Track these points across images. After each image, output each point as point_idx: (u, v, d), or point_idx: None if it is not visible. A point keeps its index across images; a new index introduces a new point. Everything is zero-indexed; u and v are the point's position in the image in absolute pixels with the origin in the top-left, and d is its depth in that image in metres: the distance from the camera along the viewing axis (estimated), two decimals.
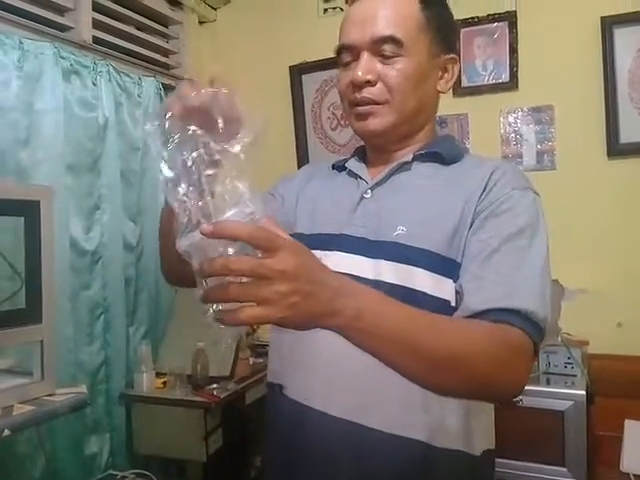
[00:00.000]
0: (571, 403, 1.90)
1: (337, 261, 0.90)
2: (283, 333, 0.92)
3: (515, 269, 0.84)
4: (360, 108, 0.95)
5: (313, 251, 0.90)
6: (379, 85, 0.94)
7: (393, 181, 0.98)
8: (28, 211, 1.28)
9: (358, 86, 0.94)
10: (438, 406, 0.86)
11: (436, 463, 0.86)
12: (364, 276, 0.89)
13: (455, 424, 0.88)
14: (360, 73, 0.93)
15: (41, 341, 1.29)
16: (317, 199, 1.03)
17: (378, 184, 0.98)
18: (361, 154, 1.07)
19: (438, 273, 0.87)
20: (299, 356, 0.93)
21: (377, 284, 0.87)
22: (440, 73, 0.99)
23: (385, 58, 0.93)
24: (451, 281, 0.88)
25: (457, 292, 0.86)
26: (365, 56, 0.93)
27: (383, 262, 0.89)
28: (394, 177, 0.98)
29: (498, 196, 0.90)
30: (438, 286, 0.87)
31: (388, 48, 0.92)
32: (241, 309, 0.60)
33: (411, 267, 0.88)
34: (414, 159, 0.98)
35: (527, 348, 0.80)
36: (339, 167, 1.07)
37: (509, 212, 0.88)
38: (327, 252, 0.93)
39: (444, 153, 0.98)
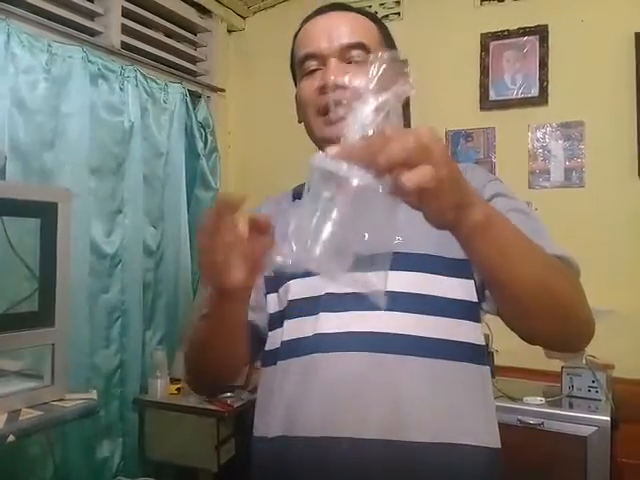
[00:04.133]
0: (595, 429, 1.84)
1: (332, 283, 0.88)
2: (279, 381, 0.91)
3: (533, 230, 0.83)
4: (333, 114, 0.91)
5: (304, 279, 0.91)
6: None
7: None
8: (45, 213, 1.27)
9: (331, 89, 0.92)
10: (465, 406, 0.88)
11: (474, 462, 0.87)
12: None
13: (481, 422, 0.89)
14: (332, 76, 0.92)
15: (53, 345, 1.28)
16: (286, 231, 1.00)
17: None
18: None
19: (447, 275, 0.89)
20: (311, 392, 0.88)
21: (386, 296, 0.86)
22: None
23: (351, 63, 0.94)
24: (462, 280, 0.89)
25: None
26: (334, 62, 0.94)
27: (390, 273, 0.87)
28: None
29: (479, 186, 0.91)
30: (452, 288, 0.88)
31: (357, 54, 0.94)
32: (421, 166, 0.55)
33: (420, 274, 0.89)
34: None
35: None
36: (300, 194, 1.05)
37: (498, 196, 0.91)
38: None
39: None
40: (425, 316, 0.88)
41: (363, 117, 0.59)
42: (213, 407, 2.09)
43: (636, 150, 2.24)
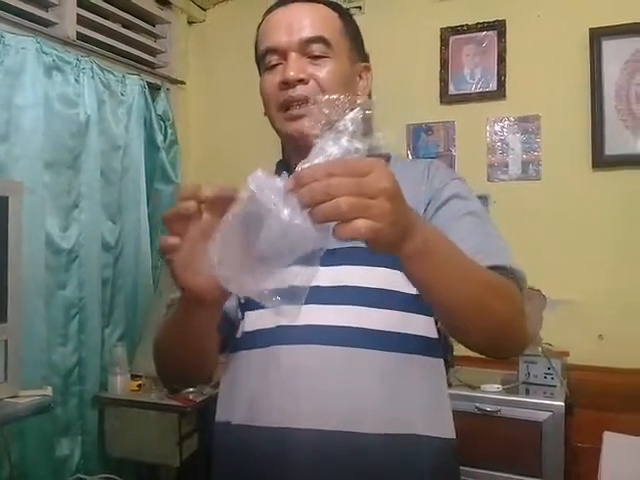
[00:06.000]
0: (550, 414, 1.89)
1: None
2: (241, 371, 0.93)
3: (484, 235, 0.88)
4: (294, 110, 0.94)
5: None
6: (312, 83, 0.93)
7: None
8: None
9: (291, 85, 0.93)
10: (417, 397, 0.89)
11: (427, 452, 0.89)
12: (324, 285, 0.88)
13: (434, 412, 0.91)
14: (292, 72, 0.92)
15: (5, 341, 1.26)
16: None
17: None
18: (284, 168, 1.04)
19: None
20: (273, 381, 0.90)
21: (341, 290, 0.89)
22: (358, 79, 1.00)
23: (314, 59, 0.94)
24: None
25: None
26: (294, 56, 0.93)
27: (344, 267, 0.90)
28: None
29: (441, 185, 0.95)
30: (407, 283, 0.87)
31: (317, 48, 0.94)
32: (356, 221, 0.56)
33: (377, 268, 0.90)
34: None
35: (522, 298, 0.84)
36: (282, 168, 1.05)
37: (456, 197, 0.93)
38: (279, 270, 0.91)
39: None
40: (382, 310, 0.90)
41: (328, 155, 0.59)
42: (175, 402, 2.07)
43: (590, 143, 2.30)
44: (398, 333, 0.90)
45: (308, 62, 0.94)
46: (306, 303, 0.88)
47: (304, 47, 0.94)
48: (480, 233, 0.88)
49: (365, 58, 1.03)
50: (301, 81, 0.92)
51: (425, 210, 0.93)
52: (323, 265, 0.88)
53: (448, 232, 0.79)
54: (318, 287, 0.88)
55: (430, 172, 0.98)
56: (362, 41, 1.04)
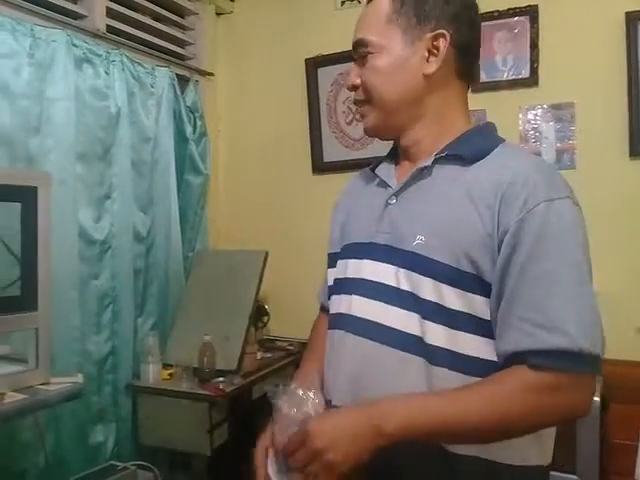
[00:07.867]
0: None
1: (368, 269, 0.96)
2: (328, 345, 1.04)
3: (545, 296, 0.82)
4: (359, 109, 1.04)
5: (348, 260, 1.02)
6: (361, 87, 1.00)
7: (416, 187, 0.97)
8: (25, 197, 1.26)
9: (351, 90, 1.03)
10: None
11: (458, 470, 0.88)
12: (388, 283, 0.93)
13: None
14: (349, 80, 1.02)
15: (36, 329, 1.28)
16: (352, 209, 1.09)
17: (401, 190, 0.98)
18: (394, 153, 1.08)
19: (454, 286, 0.87)
20: (337, 365, 0.98)
21: (398, 291, 0.91)
22: (426, 55, 0.95)
23: (362, 59, 0.99)
24: (469, 294, 0.87)
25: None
26: (353, 64, 1.02)
27: (402, 270, 0.92)
28: (417, 182, 0.97)
29: (520, 214, 0.84)
30: (453, 298, 0.87)
31: (360, 51, 0.99)
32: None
33: (425, 278, 0.89)
34: (435, 162, 0.95)
35: (568, 383, 0.81)
36: (375, 165, 1.10)
37: (531, 235, 0.83)
38: (359, 260, 0.99)
39: (465, 154, 0.93)
40: (450, 329, 0.88)
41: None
42: (205, 392, 2.09)
43: (627, 131, 2.23)
44: (461, 354, 0.88)
45: (361, 64, 0.99)
46: (373, 298, 0.94)
47: (355, 53, 1.00)
48: (545, 289, 0.82)
49: (442, 21, 0.94)
50: (354, 87, 1.01)
51: (498, 240, 0.85)
52: (393, 264, 0.93)
53: (509, 286, 0.84)
54: (387, 286, 0.93)
55: (510, 190, 0.85)
56: (439, 3, 0.95)
